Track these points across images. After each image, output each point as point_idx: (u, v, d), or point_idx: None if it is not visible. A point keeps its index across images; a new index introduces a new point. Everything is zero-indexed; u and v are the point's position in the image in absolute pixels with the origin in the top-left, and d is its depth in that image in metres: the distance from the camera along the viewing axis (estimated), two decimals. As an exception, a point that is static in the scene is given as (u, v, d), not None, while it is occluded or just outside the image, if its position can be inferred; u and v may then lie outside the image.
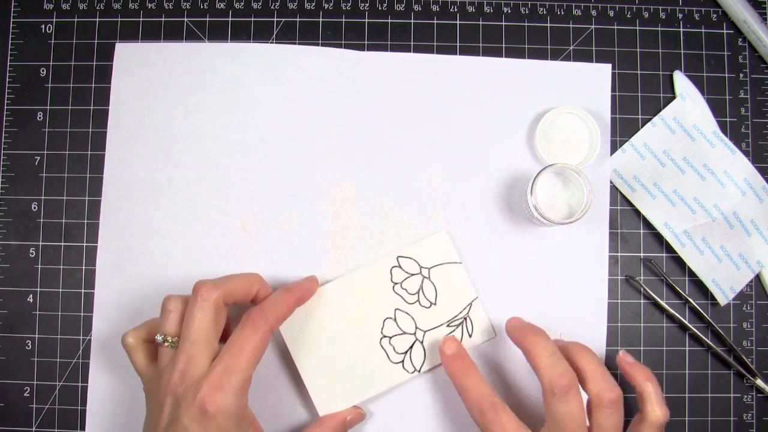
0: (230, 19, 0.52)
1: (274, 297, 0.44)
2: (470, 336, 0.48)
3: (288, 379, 0.48)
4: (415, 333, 0.48)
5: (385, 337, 0.48)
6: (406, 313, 0.48)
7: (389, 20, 0.52)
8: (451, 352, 0.46)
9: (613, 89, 0.51)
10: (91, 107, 0.51)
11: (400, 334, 0.48)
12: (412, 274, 0.48)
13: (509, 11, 0.52)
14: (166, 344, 0.41)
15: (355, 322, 0.48)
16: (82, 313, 0.49)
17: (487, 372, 0.48)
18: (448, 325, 0.48)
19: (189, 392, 0.38)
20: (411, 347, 0.48)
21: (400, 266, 0.48)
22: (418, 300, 0.48)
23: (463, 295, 0.48)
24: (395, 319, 0.48)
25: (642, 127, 0.50)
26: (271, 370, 0.48)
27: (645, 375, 0.43)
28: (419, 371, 0.47)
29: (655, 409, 0.42)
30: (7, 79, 0.51)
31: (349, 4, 0.52)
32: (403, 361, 0.47)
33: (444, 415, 0.49)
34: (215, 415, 0.38)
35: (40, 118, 0.51)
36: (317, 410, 0.47)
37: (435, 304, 0.48)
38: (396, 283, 0.48)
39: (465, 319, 0.48)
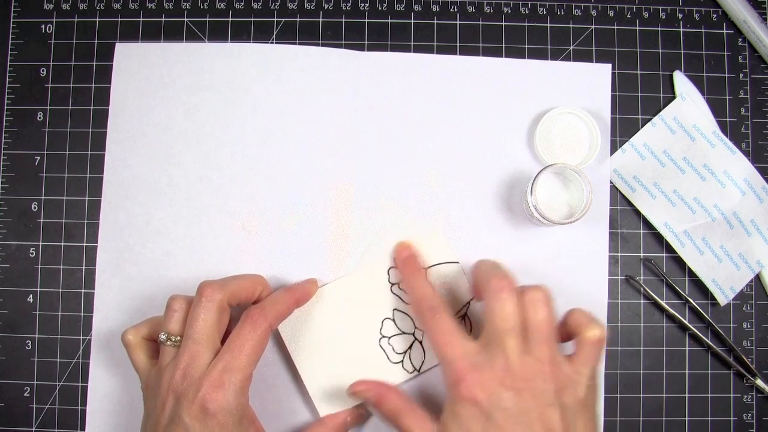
0: (230, 19, 0.52)
1: (273, 296, 0.44)
2: (469, 335, 0.48)
3: (288, 379, 0.48)
4: (413, 333, 0.48)
5: (384, 337, 0.48)
6: (405, 313, 0.48)
7: (389, 20, 0.52)
8: (405, 255, 0.47)
9: (613, 89, 0.51)
10: (91, 107, 0.51)
11: (398, 334, 0.48)
12: None
13: (509, 11, 0.52)
14: (169, 343, 0.41)
15: (354, 323, 0.48)
16: (82, 313, 0.49)
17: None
18: (448, 325, 0.48)
19: (190, 390, 0.38)
20: (410, 347, 0.48)
21: (397, 267, 0.48)
22: None
23: (461, 294, 0.48)
24: (394, 320, 0.48)
25: (642, 127, 0.50)
26: (271, 370, 0.48)
27: (567, 311, 0.42)
28: (419, 371, 0.47)
29: (591, 329, 0.40)
30: (7, 79, 0.51)
31: (349, 4, 0.52)
32: (402, 361, 0.47)
33: (444, 415, 0.49)
34: (216, 413, 0.38)
35: (40, 118, 0.51)
36: (317, 410, 0.47)
37: (434, 303, 0.48)
38: (394, 284, 0.48)
39: (463, 318, 0.48)
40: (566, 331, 0.42)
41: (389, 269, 0.48)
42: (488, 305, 0.40)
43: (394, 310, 0.48)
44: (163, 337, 0.41)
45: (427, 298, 0.43)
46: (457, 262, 0.48)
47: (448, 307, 0.43)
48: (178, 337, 0.41)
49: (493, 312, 0.40)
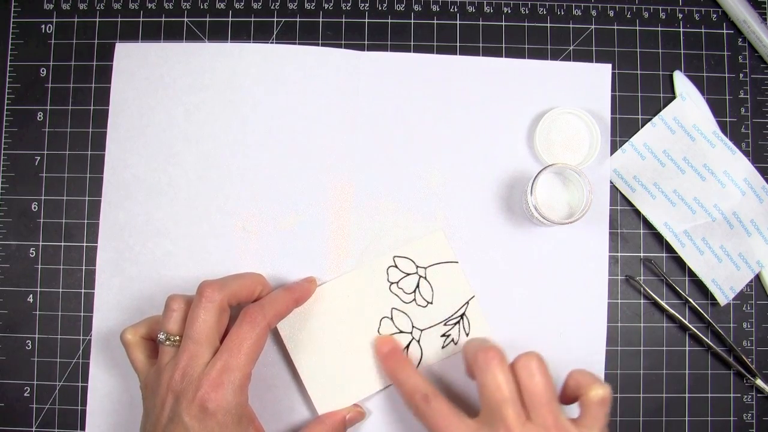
0: (230, 19, 0.52)
1: (272, 295, 0.44)
2: (467, 335, 0.48)
3: (287, 378, 0.48)
4: (411, 332, 0.48)
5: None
6: (403, 312, 0.48)
7: (389, 20, 0.52)
8: (386, 350, 0.46)
9: (613, 89, 0.51)
10: (91, 107, 0.51)
11: (396, 333, 0.48)
12: (409, 274, 0.48)
13: (509, 11, 0.52)
14: (167, 343, 0.41)
15: (352, 322, 0.48)
16: (82, 313, 0.49)
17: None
18: (444, 324, 0.48)
19: (189, 390, 0.38)
20: (408, 346, 0.48)
21: (396, 266, 0.48)
22: (415, 299, 0.48)
23: (460, 294, 0.48)
24: (392, 318, 0.48)
25: (642, 127, 0.50)
26: (271, 370, 0.48)
27: (568, 374, 0.41)
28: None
29: (595, 389, 0.39)
30: (7, 79, 0.51)
31: (349, 4, 0.52)
32: (402, 360, 0.48)
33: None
34: (215, 412, 0.38)
35: (40, 118, 0.51)
36: (316, 409, 0.47)
37: (431, 303, 0.48)
38: (392, 283, 0.48)
39: (462, 317, 0.48)
40: (568, 394, 0.41)
41: (388, 268, 0.48)
42: (479, 380, 0.40)
43: (392, 309, 0.48)
44: (162, 336, 0.41)
45: (418, 387, 0.42)
46: (457, 262, 0.48)
47: (439, 392, 0.42)
48: (177, 337, 0.41)
49: (485, 384, 0.39)
